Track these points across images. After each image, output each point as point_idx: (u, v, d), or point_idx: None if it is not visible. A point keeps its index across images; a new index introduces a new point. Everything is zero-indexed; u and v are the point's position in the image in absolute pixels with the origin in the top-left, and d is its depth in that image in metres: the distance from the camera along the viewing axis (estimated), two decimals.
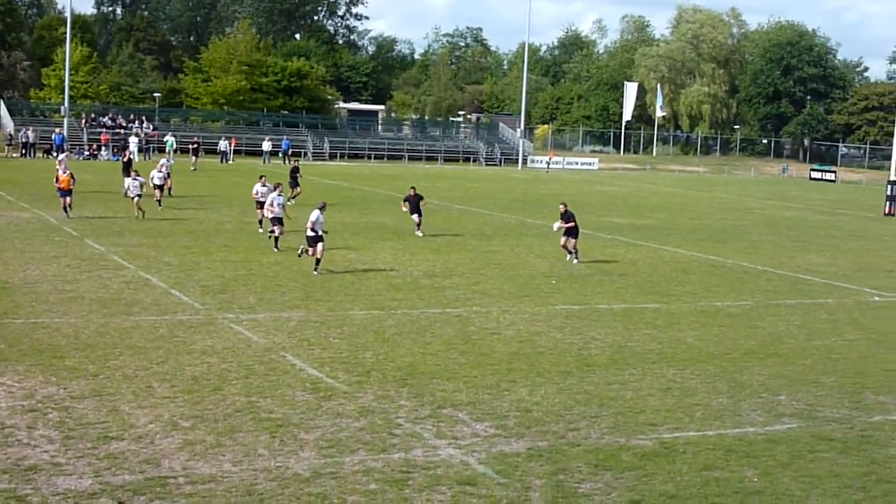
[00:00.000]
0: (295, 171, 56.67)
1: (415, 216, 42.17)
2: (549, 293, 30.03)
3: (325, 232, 31.90)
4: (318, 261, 31.36)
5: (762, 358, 22.86)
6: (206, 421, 16.48)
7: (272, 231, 36.19)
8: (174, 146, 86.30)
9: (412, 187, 43.31)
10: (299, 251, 32.41)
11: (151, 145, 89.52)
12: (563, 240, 36.24)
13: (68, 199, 42.87)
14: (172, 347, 21.31)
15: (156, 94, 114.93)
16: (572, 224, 35.85)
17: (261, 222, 39.94)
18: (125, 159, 57.20)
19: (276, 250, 35.20)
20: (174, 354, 20.73)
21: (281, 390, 18.44)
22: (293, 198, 50.76)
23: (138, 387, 18.27)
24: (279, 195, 36.58)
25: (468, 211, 52.77)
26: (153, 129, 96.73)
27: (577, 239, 36.26)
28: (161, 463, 14.53)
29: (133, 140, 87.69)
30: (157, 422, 16.32)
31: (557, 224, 36.00)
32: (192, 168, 75.42)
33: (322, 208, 32.00)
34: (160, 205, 46.98)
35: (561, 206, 36.29)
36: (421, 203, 42.29)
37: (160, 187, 48.29)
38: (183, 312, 24.95)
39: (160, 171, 48.38)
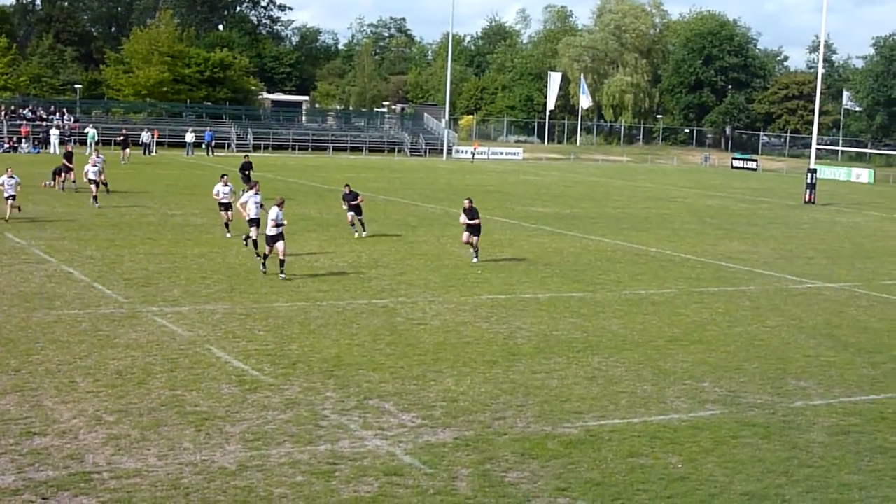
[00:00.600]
0: (247, 166, 53.12)
1: (350, 214, 39.34)
2: (475, 283, 30.11)
3: (284, 224, 29.61)
4: (282, 262, 29.34)
5: (686, 345, 23.12)
6: (131, 415, 16.34)
7: (247, 236, 33.38)
8: (96, 138, 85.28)
9: (346, 184, 40.83)
10: (244, 238, 32.34)
11: (73, 137, 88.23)
12: (465, 236, 34.21)
13: None
14: (96, 341, 21.09)
15: (77, 86, 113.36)
16: (476, 221, 33.75)
17: (227, 225, 37.42)
18: (66, 151, 55.41)
19: (258, 256, 31.24)
20: (98, 348, 20.51)
21: (206, 383, 18.33)
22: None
23: (61, 381, 18.07)
24: (256, 194, 33.27)
25: (393, 201, 52.72)
26: (74, 122, 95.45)
27: (479, 237, 34.19)
28: (85, 458, 14.38)
29: (54, 132, 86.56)
30: (80, 416, 16.15)
31: (463, 218, 33.98)
32: (123, 161, 74.26)
33: (280, 204, 29.78)
34: (97, 201, 45.17)
35: (466, 202, 34.18)
36: (359, 200, 39.45)
37: (95, 182, 45.78)
38: (106, 306, 24.68)
39: (94, 166, 46.25)
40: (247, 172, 51.88)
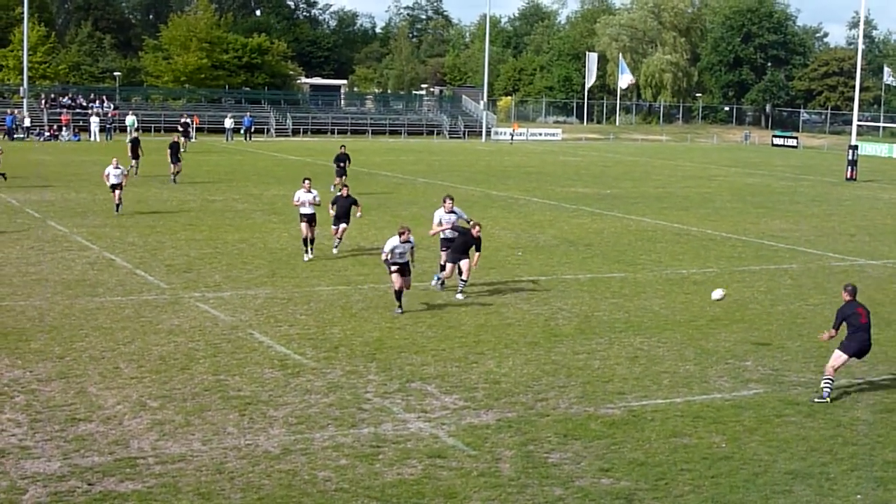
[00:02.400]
0: (343, 158, 47.72)
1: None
2: (516, 265, 30.08)
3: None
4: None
5: (728, 324, 23.01)
6: (175, 400, 16.45)
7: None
8: (136, 125, 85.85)
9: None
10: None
11: (114, 125, 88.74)
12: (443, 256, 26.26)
13: None
14: (139, 328, 21.23)
15: (116, 73, 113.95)
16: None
17: (308, 243, 29.97)
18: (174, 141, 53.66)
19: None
20: (141, 335, 20.65)
21: (249, 368, 18.42)
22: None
23: (105, 368, 18.21)
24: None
25: (432, 184, 52.68)
26: (114, 109, 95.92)
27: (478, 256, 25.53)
28: (130, 443, 14.50)
29: (94, 120, 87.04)
30: (124, 402, 16.27)
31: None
32: (183, 150, 73.37)
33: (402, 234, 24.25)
34: (118, 209, 38.50)
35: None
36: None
37: (118, 186, 38.40)
38: (148, 292, 24.84)
39: (117, 168, 38.47)
40: (342, 165, 47.25)
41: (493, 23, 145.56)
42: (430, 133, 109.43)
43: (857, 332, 17.56)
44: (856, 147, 69.29)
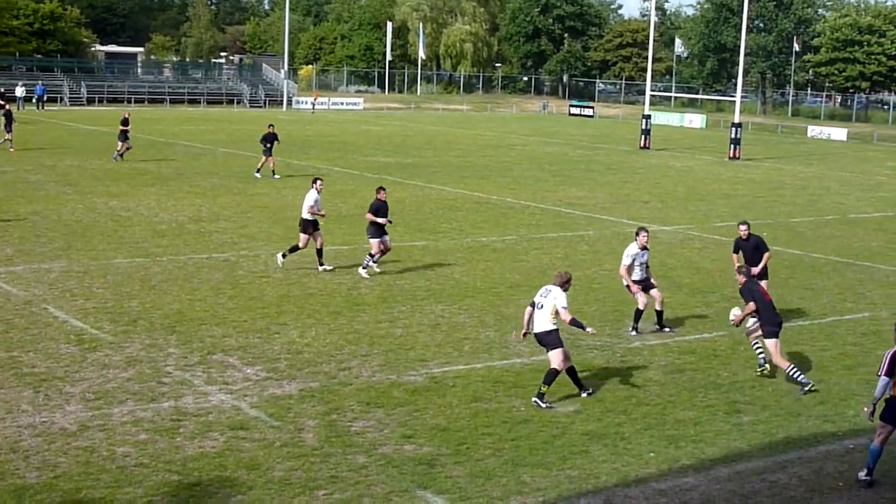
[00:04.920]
0: (271, 138, 43.84)
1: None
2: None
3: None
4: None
5: (527, 290, 23.35)
6: None
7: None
8: None
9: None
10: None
11: None
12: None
13: None
14: None
15: None
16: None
17: (320, 253, 25.24)
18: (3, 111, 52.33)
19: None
20: None
21: (44, 343, 17.95)
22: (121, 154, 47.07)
23: None
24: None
25: (233, 154, 52.06)
26: None
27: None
28: None
29: None
30: None
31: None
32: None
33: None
34: None
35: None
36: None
37: None
38: None
39: None
40: (269, 145, 43.87)
41: None
42: (231, 102, 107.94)
43: (768, 311, 17.20)
44: (649, 117, 71.31)
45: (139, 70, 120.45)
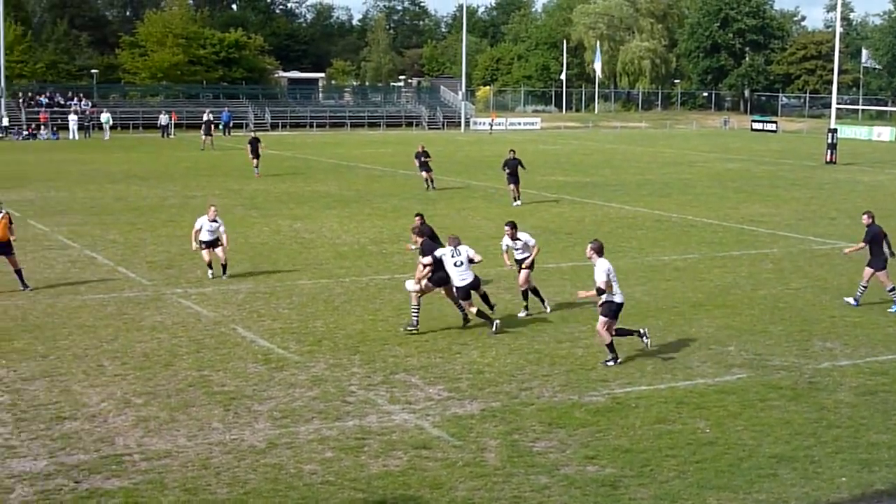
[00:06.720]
0: (255, 141, 53.40)
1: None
2: (496, 255, 29.93)
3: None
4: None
5: (710, 310, 23.07)
6: (159, 397, 16.43)
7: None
8: (110, 122, 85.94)
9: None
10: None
11: (92, 122, 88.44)
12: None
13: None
14: (122, 325, 21.20)
15: (93, 71, 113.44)
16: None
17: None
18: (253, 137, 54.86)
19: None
20: (124, 332, 20.62)
21: (232, 363, 18.42)
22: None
23: (89, 366, 18.18)
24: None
25: (413, 176, 52.62)
26: (92, 107, 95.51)
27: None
28: (115, 441, 14.48)
29: (73, 118, 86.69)
30: (109, 400, 16.25)
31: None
32: (202, 148, 73.26)
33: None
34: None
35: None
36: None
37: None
38: (131, 289, 24.80)
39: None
40: (422, 160, 46.97)
41: (470, 12, 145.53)
42: (409, 125, 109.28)
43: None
44: (835, 130, 69.45)
45: (320, 95, 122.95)
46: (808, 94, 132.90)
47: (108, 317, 21.92)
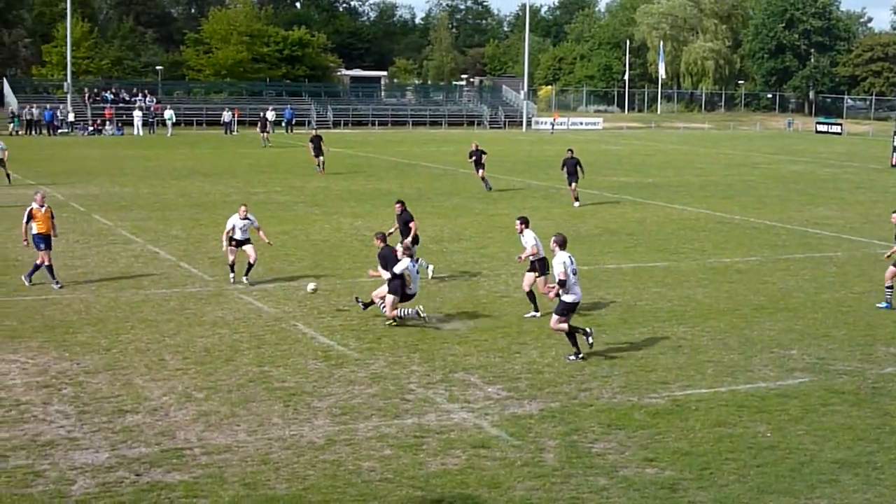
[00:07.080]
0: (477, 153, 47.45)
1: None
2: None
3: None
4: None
5: (772, 313, 22.87)
6: (220, 392, 16.56)
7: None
8: (173, 119, 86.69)
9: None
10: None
11: (156, 119, 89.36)
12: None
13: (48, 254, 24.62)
14: (184, 320, 21.39)
15: (158, 68, 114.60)
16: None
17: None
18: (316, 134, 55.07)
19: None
20: (185, 326, 20.81)
21: (293, 359, 18.52)
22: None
23: (151, 360, 18.36)
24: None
25: (473, 175, 52.64)
26: (157, 103, 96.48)
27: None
28: (176, 435, 14.61)
29: (137, 114, 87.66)
30: (170, 394, 16.40)
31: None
32: (264, 145, 73.73)
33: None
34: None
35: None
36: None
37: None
38: (193, 285, 25.01)
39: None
40: (474, 158, 47.14)
41: (532, 12, 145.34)
42: (471, 124, 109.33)
43: None
44: None
45: (382, 93, 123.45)
46: (874, 97, 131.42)
47: (170, 311, 22.12)
